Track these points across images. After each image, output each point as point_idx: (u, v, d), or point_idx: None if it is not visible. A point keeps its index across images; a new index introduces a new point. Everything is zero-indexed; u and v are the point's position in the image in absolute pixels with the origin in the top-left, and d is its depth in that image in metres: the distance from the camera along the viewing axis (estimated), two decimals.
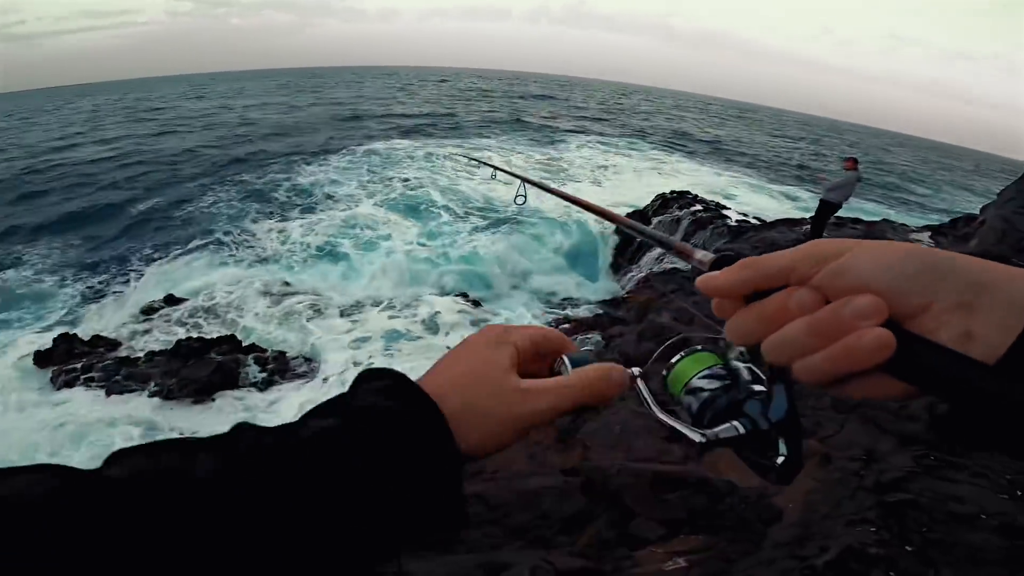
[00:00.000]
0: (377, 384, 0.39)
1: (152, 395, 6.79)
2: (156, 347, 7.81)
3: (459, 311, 8.82)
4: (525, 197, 1.62)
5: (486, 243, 11.54)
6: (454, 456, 0.37)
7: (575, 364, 0.45)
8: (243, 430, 0.35)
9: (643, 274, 9.86)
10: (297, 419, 0.37)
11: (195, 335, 8.03)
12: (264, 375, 7.25)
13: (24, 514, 0.26)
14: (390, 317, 8.66)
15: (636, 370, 0.47)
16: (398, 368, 0.40)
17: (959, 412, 0.30)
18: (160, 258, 11.00)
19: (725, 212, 11.86)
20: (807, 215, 10.38)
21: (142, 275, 10.29)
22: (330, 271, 10.41)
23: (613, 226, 11.91)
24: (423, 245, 11.53)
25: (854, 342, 0.30)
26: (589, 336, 7.35)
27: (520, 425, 0.40)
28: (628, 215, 12.46)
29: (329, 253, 11.19)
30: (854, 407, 3.14)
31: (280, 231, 12.27)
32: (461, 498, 0.37)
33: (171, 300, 9.13)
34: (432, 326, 8.42)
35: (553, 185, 1.33)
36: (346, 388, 0.40)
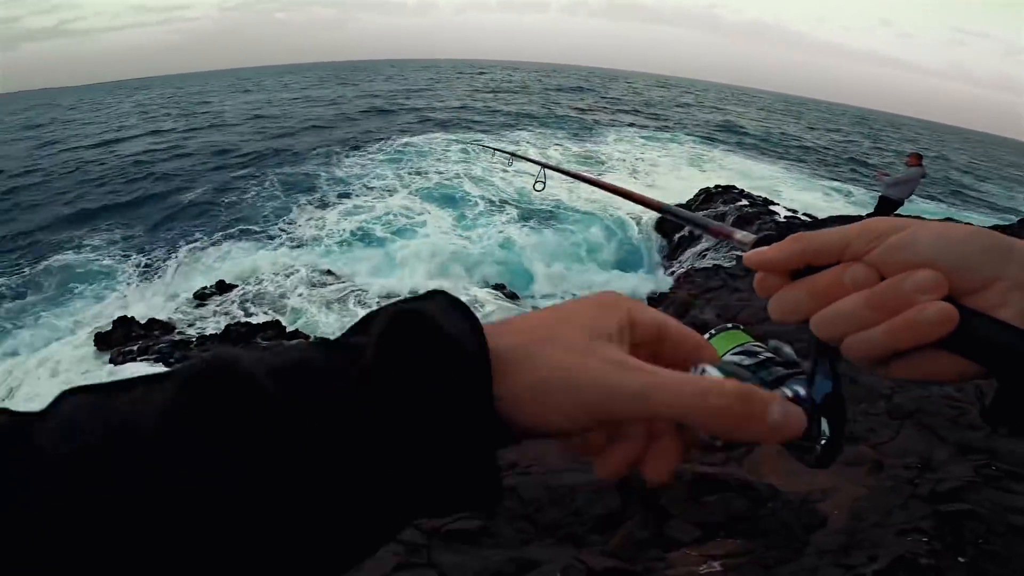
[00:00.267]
0: (423, 302, 0.31)
1: None
2: (207, 331, 8.14)
3: (496, 302, 8.85)
4: (544, 183, 1.58)
5: (521, 235, 11.53)
6: (488, 424, 0.27)
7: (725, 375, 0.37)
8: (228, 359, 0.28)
9: (684, 269, 9.64)
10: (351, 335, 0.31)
11: (243, 320, 8.34)
12: None
13: None
14: None
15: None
16: None
17: (1008, 395, 0.30)
18: (209, 245, 11.44)
19: (773, 207, 11.46)
20: (862, 212, 9.92)
21: (193, 261, 10.73)
22: (367, 259, 10.59)
23: (652, 220, 11.82)
24: (460, 236, 11.61)
25: (916, 315, 0.29)
26: None
27: (590, 407, 0.28)
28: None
29: (367, 241, 11.40)
30: (911, 413, 3.00)
31: (320, 220, 12.57)
32: (492, 477, 0.28)
33: (221, 286, 9.51)
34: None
35: (574, 169, 1.29)
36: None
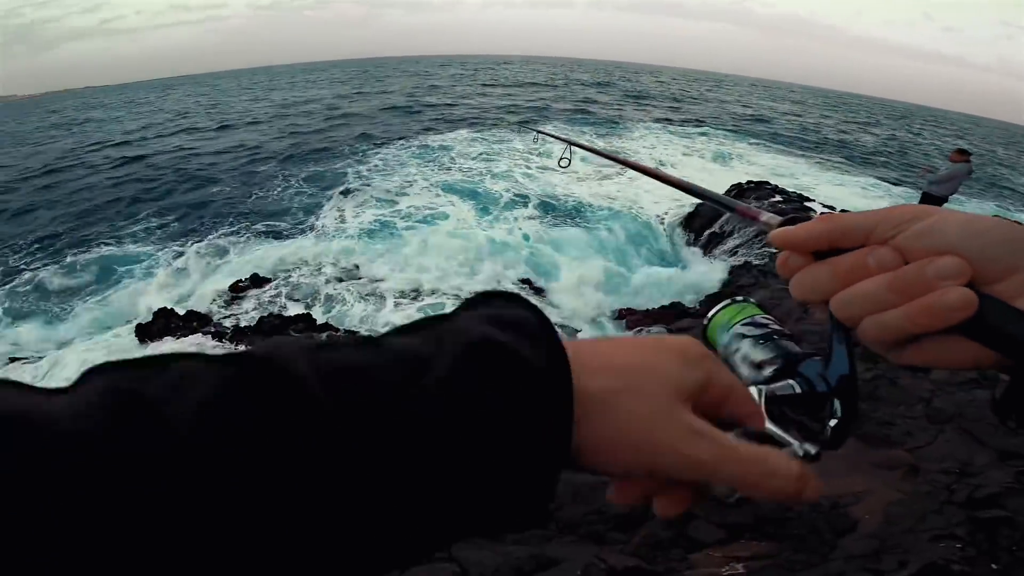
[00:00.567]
0: (508, 311, 0.30)
1: None
2: (242, 323, 8.38)
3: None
4: (569, 160, 1.61)
5: (545, 230, 11.52)
6: (561, 453, 0.28)
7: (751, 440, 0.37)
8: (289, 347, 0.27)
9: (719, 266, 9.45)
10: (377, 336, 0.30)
11: (276, 312, 8.56)
12: None
13: None
14: (453, 298, 8.85)
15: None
16: None
17: (1019, 386, 0.31)
18: (241, 239, 11.75)
19: (808, 203, 11.15)
20: None
21: (227, 255, 11.04)
22: (393, 251, 10.72)
23: (677, 217, 11.64)
24: (484, 230, 11.66)
25: (936, 299, 0.30)
26: (651, 330, 7.17)
27: (653, 461, 0.29)
28: (699, 205, 11.89)
29: (392, 234, 11.54)
30: (951, 417, 2.90)
31: (347, 213, 12.79)
32: (546, 507, 0.28)
33: (255, 279, 9.78)
34: None
35: (601, 147, 1.29)
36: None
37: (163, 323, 8.28)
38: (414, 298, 9.02)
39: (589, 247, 10.94)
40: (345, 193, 14.19)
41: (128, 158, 20.03)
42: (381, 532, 0.25)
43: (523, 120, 24.33)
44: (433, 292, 9.10)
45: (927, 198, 7.79)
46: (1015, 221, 0.34)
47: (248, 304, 9.13)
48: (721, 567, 1.91)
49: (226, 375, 0.25)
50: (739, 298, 0.47)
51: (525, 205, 13.15)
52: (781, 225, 0.39)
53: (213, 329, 8.24)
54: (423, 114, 27.13)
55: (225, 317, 8.71)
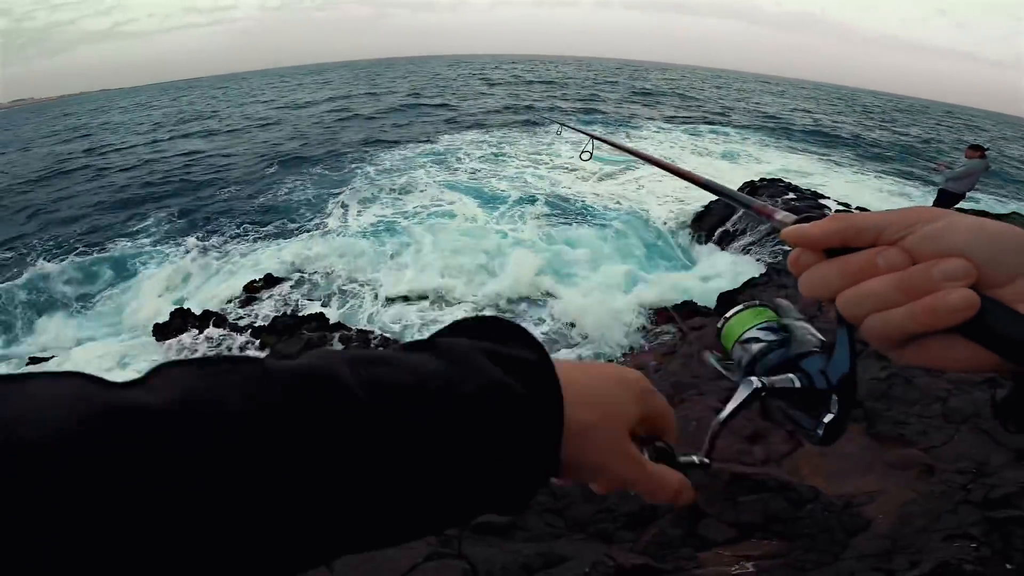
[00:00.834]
0: (516, 353, 0.37)
1: None
2: (257, 323, 8.46)
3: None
4: (591, 153, 1.62)
5: (555, 229, 11.52)
6: (549, 469, 0.36)
7: (658, 456, 0.44)
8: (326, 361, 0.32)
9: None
10: (398, 350, 0.36)
11: (289, 312, 8.65)
12: None
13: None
14: (462, 299, 8.88)
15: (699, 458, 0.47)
16: None
17: (1020, 391, 0.32)
18: (254, 240, 11.89)
19: (822, 201, 11.01)
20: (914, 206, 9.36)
21: (240, 255, 11.17)
22: (401, 252, 10.78)
23: (687, 217, 11.58)
24: (492, 230, 11.67)
25: (940, 299, 0.31)
26: (661, 328, 7.13)
27: (601, 475, 0.40)
28: (712, 203, 11.77)
29: (401, 234, 11.60)
30: (967, 417, 2.86)
31: (356, 214, 12.88)
32: (529, 499, 0.37)
33: (269, 279, 9.91)
34: (507, 312, 8.54)
35: (622, 142, 1.28)
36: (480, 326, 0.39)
37: (179, 322, 8.39)
38: (424, 298, 9.06)
39: (601, 247, 10.91)
40: (354, 193, 14.28)
41: (142, 160, 20.32)
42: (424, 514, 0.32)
43: (531, 120, 24.30)
44: (442, 293, 9.13)
45: (944, 195, 7.66)
46: None
47: (262, 304, 9.24)
48: (731, 566, 1.90)
49: (286, 384, 0.29)
50: (756, 302, 0.48)
51: (533, 203, 13.15)
52: (795, 223, 0.40)
53: (229, 328, 8.33)
54: (431, 115, 27.21)
55: (240, 317, 8.81)
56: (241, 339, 7.98)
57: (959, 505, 2.11)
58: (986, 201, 14.07)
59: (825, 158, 19.83)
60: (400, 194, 14.03)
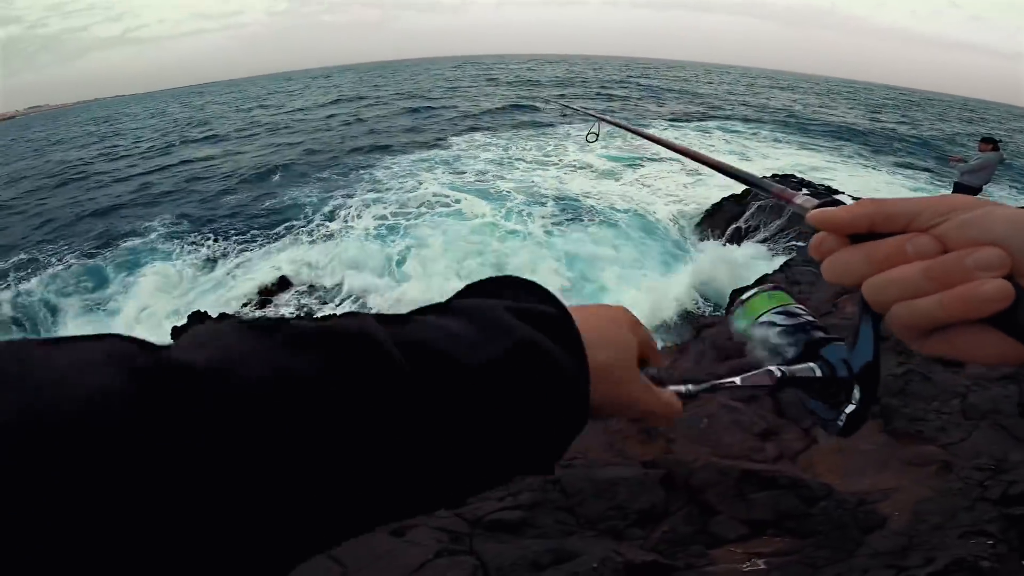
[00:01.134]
0: (533, 306, 0.38)
1: None
2: None
3: None
4: (597, 135, 1.61)
5: (561, 231, 11.49)
6: (583, 417, 0.37)
7: (651, 379, 0.46)
8: (356, 321, 0.32)
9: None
10: (426, 315, 0.36)
11: (303, 314, 8.73)
12: None
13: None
14: None
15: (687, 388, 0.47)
16: None
17: None
18: (265, 244, 12.00)
19: (837, 196, 10.84)
20: None
21: (252, 259, 11.30)
22: (413, 255, 10.82)
23: (698, 215, 11.49)
24: (498, 231, 11.67)
25: (972, 289, 0.30)
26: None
27: (623, 408, 0.42)
28: (723, 200, 11.56)
29: (411, 237, 11.65)
30: (986, 413, 2.81)
31: (366, 217, 12.95)
32: (565, 452, 0.38)
33: (283, 282, 10.03)
34: None
35: (630, 124, 1.26)
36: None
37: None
38: (432, 299, 9.10)
39: (612, 247, 10.86)
40: (362, 197, 14.37)
41: (154, 167, 20.60)
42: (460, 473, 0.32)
43: (538, 121, 24.27)
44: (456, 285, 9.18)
45: (960, 188, 7.54)
46: None
47: (276, 306, 9.35)
48: (742, 563, 1.89)
49: (330, 346, 0.29)
50: (771, 285, 0.47)
51: (543, 206, 13.14)
52: (817, 207, 0.39)
53: None
54: (438, 117, 27.28)
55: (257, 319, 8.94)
56: None
57: (976, 502, 2.08)
58: (999, 194, 13.82)
59: (837, 152, 19.61)
60: (408, 197, 14.09)
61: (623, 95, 35.89)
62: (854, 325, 0.39)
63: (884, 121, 32.25)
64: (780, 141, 21.38)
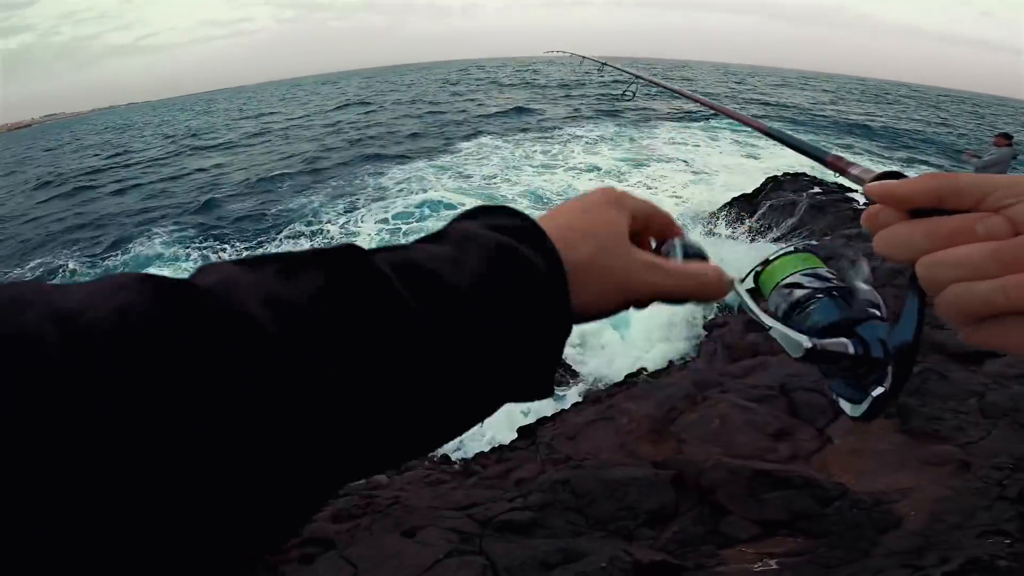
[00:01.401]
0: (502, 221, 0.36)
1: None
2: None
3: None
4: (634, 94, 1.56)
5: None
6: (567, 319, 0.35)
7: (686, 253, 0.42)
8: (347, 249, 0.31)
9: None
10: (408, 243, 0.35)
11: None
12: None
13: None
14: None
15: (735, 275, 0.43)
16: None
17: None
18: (271, 249, 12.05)
19: (850, 195, 10.68)
20: None
21: None
22: None
23: (707, 215, 11.39)
24: None
25: None
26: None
27: (631, 296, 0.38)
28: (735, 199, 11.35)
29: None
30: (1006, 412, 2.77)
31: (371, 224, 13.03)
32: (556, 367, 0.35)
33: None
34: None
35: (669, 83, 1.21)
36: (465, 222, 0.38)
37: None
38: None
39: None
40: (368, 203, 14.45)
41: (162, 176, 20.86)
42: (457, 391, 0.31)
43: (545, 126, 24.27)
44: None
45: None
46: None
47: None
48: (753, 563, 1.86)
49: (332, 275, 0.28)
50: (799, 247, 0.43)
51: (550, 207, 13.12)
52: (876, 179, 0.37)
53: None
54: (444, 121, 27.37)
55: None
56: None
57: (995, 501, 2.04)
58: None
59: (847, 150, 19.41)
60: (413, 199, 14.15)
61: (631, 97, 35.76)
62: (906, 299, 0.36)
63: (896, 117, 31.91)
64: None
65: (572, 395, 5.27)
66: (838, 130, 23.93)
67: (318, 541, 2.32)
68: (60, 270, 11.50)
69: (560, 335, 0.34)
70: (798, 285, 0.41)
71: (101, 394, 0.20)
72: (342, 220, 13.36)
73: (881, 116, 31.61)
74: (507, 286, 0.32)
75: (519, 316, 0.32)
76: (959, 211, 0.32)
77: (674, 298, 0.40)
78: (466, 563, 1.83)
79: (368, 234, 12.26)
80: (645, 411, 3.48)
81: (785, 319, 0.40)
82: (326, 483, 0.27)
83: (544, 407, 4.54)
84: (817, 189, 10.98)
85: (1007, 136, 7.44)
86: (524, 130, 23.31)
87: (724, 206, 11.09)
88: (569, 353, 5.96)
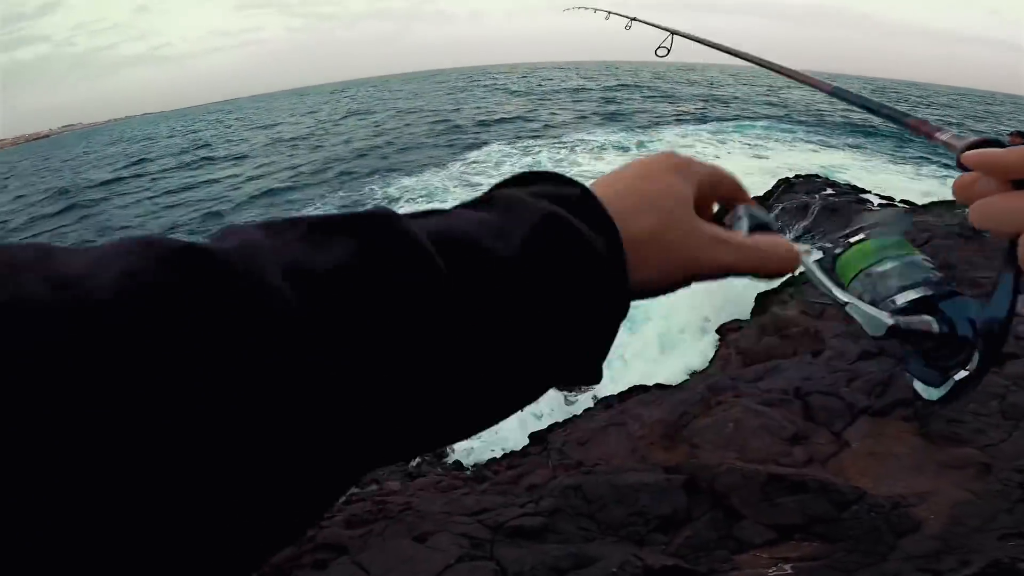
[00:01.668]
0: (552, 188, 0.33)
1: None
2: None
3: None
4: (668, 50, 1.48)
5: None
6: (625, 298, 0.31)
7: (753, 222, 0.38)
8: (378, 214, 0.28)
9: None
10: (446, 207, 0.32)
11: None
12: None
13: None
14: None
15: (806, 247, 0.39)
16: None
17: None
18: None
19: (864, 196, 10.46)
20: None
21: None
22: None
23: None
24: None
25: None
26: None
27: (694, 273, 0.35)
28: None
29: None
30: None
31: None
32: (609, 350, 0.32)
33: None
34: None
35: (707, 37, 1.14)
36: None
37: None
38: None
39: None
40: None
41: (177, 187, 21.17)
42: (504, 372, 0.28)
43: (552, 133, 24.28)
44: None
45: None
46: None
47: None
48: (768, 568, 1.83)
49: (364, 243, 0.26)
50: (887, 233, 0.40)
51: None
52: (970, 146, 0.34)
53: None
54: (452, 129, 27.46)
55: None
56: None
57: (1016, 504, 2.00)
58: None
59: (858, 150, 19.22)
60: (422, 207, 14.15)
61: (637, 99, 35.80)
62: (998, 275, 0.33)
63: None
64: (799, 139, 21.07)
65: (584, 400, 5.24)
66: (846, 130, 23.69)
67: (331, 547, 2.32)
68: None
69: (616, 316, 0.31)
70: (886, 274, 0.38)
71: (98, 370, 0.18)
72: None
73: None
74: (558, 260, 0.29)
75: (571, 294, 0.29)
76: None
77: (740, 273, 0.36)
78: (477, 568, 1.83)
79: None
80: (657, 416, 3.46)
81: (869, 298, 0.38)
82: (345, 475, 0.25)
83: (556, 412, 4.52)
84: (830, 191, 10.80)
85: (1022, 135, 7.33)
86: (532, 136, 23.35)
87: (773, 189, 10.83)
88: None
